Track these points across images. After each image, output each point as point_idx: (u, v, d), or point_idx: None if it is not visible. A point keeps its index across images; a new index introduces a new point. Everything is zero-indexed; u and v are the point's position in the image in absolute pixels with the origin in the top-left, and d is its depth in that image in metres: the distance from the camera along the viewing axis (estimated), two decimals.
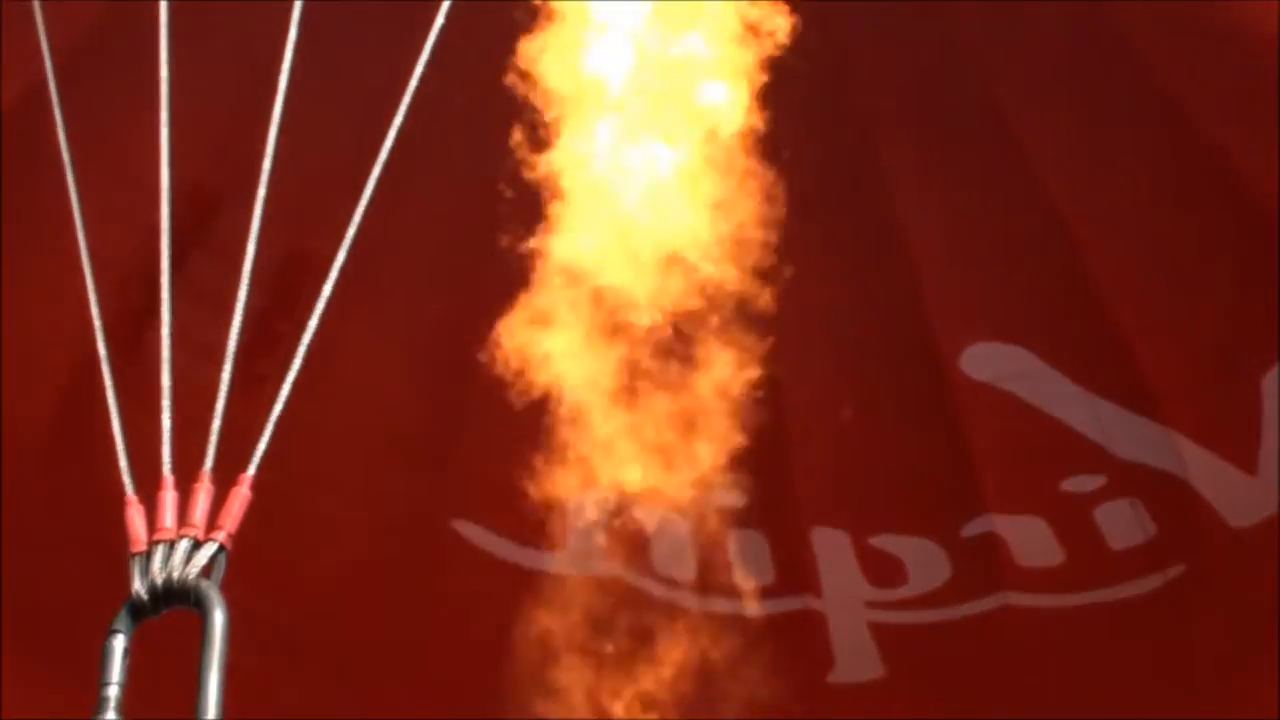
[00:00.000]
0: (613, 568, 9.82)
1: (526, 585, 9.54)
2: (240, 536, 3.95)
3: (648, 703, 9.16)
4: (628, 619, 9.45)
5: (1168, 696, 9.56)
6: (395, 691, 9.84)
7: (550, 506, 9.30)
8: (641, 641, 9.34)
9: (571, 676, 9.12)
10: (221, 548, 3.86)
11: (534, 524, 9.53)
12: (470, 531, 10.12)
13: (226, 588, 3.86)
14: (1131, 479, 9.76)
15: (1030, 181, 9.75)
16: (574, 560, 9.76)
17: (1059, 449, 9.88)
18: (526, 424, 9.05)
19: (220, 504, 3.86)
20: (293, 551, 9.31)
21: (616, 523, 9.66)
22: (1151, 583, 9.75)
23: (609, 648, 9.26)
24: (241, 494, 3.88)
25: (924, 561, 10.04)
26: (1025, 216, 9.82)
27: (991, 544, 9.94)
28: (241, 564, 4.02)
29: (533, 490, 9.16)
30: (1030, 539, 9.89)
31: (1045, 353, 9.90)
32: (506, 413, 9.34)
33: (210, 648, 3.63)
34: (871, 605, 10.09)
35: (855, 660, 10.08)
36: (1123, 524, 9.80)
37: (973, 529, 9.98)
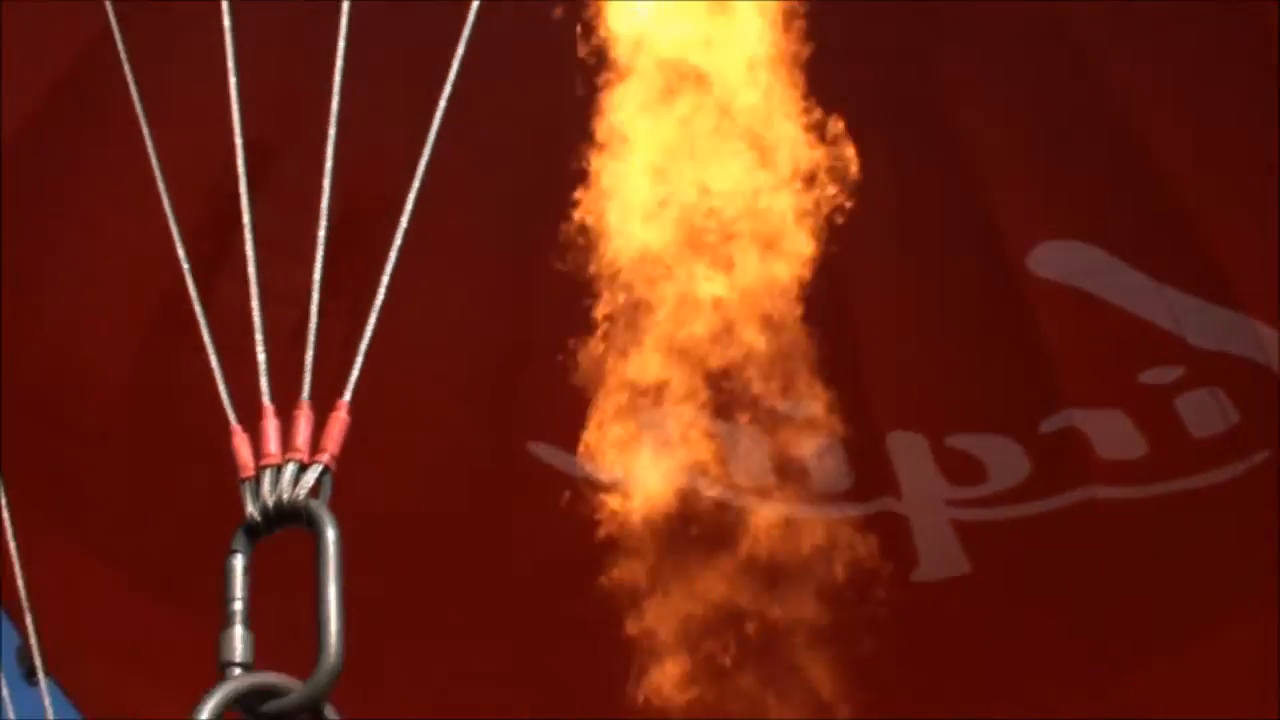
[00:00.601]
0: (690, 479, 9.83)
1: (603, 500, 9.57)
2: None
3: (734, 612, 9.18)
4: (707, 529, 9.47)
5: (1256, 582, 9.54)
6: (480, 614, 9.93)
7: (624, 421, 9.31)
8: (723, 549, 9.36)
9: (654, 586, 9.15)
10: (326, 469, 3.90)
11: (608, 440, 9.55)
12: (545, 453, 10.16)
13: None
14: (1211, 368, 9.71)
15: (1090, 75, 9.67)
16: (650, 473, 9.77)
17: (1134, 342, 9.83)
18: (596, 342, 9.06)
19: (320, 429, 3.92)
20: (369, 480, 9.37)
21: (693, 434, 9.67)
22: (1236, 469, 9.71)
23: (690, 557, 9.28)
24: (340, 418, 3.94)
25: (1003, 459, 10.04)
26: (1086, 111, 9.74)
27: (1072, 438, 9.92)
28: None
29: (605, 406, 9.18)
30: (1111, 432, 9.86)
31: (1113, 247, 9.84)
32: (577, 329, 9.35)
33: (326, 565, 3.66)
34: (953, 504, 10.10)
35: (940, 558, 10.09)
36: (1204, 413, 9.75)
37: (1051, 425, 9.96)
